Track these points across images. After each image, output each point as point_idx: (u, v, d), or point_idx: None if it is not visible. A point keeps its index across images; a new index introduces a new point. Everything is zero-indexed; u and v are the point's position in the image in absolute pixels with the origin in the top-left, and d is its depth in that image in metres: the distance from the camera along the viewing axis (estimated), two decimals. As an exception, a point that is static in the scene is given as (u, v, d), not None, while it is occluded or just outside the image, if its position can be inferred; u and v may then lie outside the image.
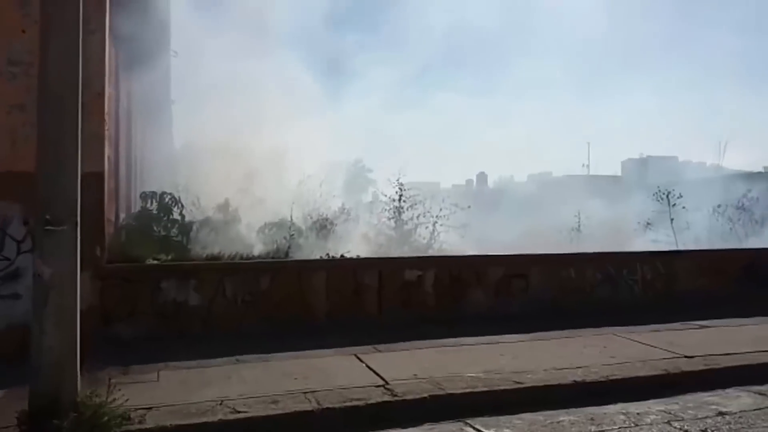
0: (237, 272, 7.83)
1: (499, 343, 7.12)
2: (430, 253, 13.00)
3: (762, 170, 25.61)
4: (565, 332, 7.68)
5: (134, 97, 12.96)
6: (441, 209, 13.40)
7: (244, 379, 5.56)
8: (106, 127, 7.39)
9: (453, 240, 13.90)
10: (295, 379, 5.53)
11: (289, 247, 10.92)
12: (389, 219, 13.63)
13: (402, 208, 13.59)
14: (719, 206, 15.17)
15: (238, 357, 6.36)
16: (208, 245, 10.20)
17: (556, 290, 9.17)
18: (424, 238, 13.52)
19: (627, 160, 52.16)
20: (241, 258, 8.66)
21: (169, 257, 8.42)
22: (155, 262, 7.99)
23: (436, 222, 13.50)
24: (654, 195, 15.12)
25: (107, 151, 7.96)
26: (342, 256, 9.20)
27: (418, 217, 13.48)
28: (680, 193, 14.48)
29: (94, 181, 7.13)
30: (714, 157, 41.24)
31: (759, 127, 75.96)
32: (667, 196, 14.45)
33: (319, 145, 20.66)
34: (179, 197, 10.55)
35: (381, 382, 5.42)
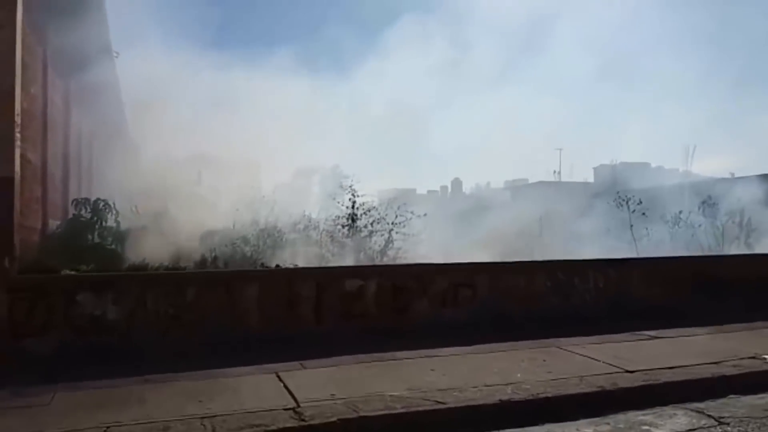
0: (160, 283, 7.35)
1: (435, 356, 6.74)
2: (385, 261, 12.64)
3: (728, 176, 25.60)
4: (508, 344, 7.33)
5: (75, 99, 12.42)
6: (396, 216, 13.02)
7: (144, 402, 5.09)
8: (17, 129, 6.90)
9: (412, 247, 13.54)
10: (200, 401, 5.08)
11: (246, 256, 10.51)
12: (343, 227, 13.21)
13: (356, 215, 13.17)
14: (680, 212, 14.98)
15: (147, 376, 5.89)
16: (145, 253, 9.74)
17: (504, 299, 8.80)
18: (379, 246, 13.13)
19: (599, 166, 52.20)
20: (167, 268, 8.18)
21: (90, 267, 7.93)
22: (72, 272, 7.49)
23: (392, 230, 13.13)
24: (614, 201, 14.88)
25: (28, 154, 7.49)
26: (277, 266, 8.76)
27: (372, 224, 13.09)
28: (640, 200, 14.25)
29: (2, 186, 6.68)
30: (689, 163, 41.36)
31: (729, 133, 76.80)
32: (627, 203, 14.21)
33: (295, 152, 20.29)
34: (114, 204, 10.08)
35: (292, 404, 4.99)
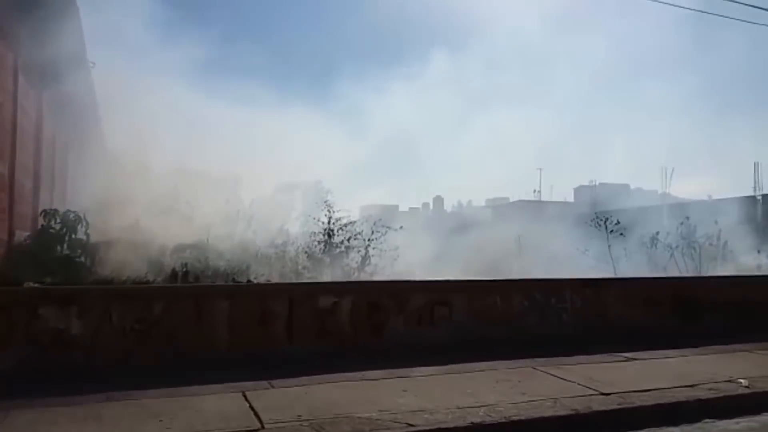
0: (125, 298, 7.14)
1: (408, 377, 6.58)
2: (363, 277, 12.49)
3: (706, 198, 25.83)
4: (483, 364, 7.19)
5: (49, 109, 12.18)
6: (373, 231, 12.91)
7: (101, 420, 4.89)
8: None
9: (389, 264, 13.41)
10: (161, 420, 4.88)
11: (220, 271, 10.29)
12: (320, 243, 13.07)
13: (332, 231, 13.04)
14: (657, 233, 15.01)
15: (110, 393, 5.68)
16: (116, 267, 9.51)
17: (480, 318, 8.67)
18: (356, 263, 12.99)
19: (579, 187, 52.68)
20: (134, 282, 7.97)
21: (56, 280, 7.70)
22: (35, 285, 7.25)
23: (368, 245, 13.01)
24: (592, 221, 14.87)
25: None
26: (249, 281, 8.57)
27: (348, 239, 12.96)
28: (617, 220, 14.26)
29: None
30: (667, 185, 41.75)
31: (708, 156, 77.86)
32: (605, 223, 14.20)
33: (277, 167, 20.23)
34: (84, 215, 9.84)
35: (256, 425, 4.82)
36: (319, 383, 6.22)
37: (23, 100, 9.83)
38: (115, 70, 15.28)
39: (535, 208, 33.08)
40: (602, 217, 14.40)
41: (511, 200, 46.74)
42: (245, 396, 5.69)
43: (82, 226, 9.73)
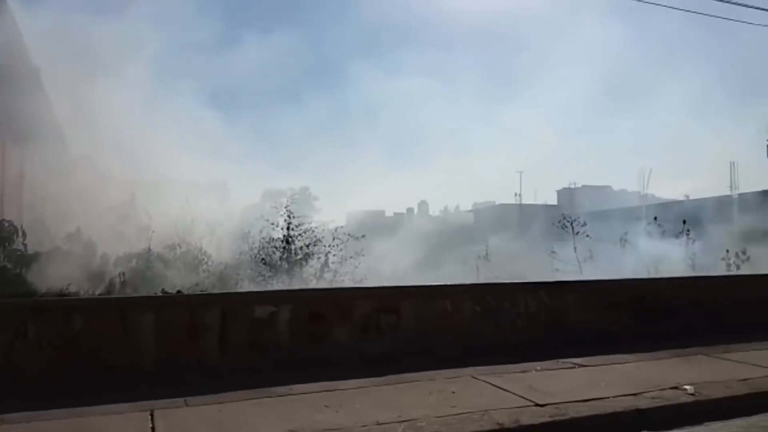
0: (43, 311, 6.74)
1: (336, 390, 6.23)
2: (322, 285, 12.15)
3: (683, 198, 25.65)
4: (422, 374, 6.84)
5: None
6: (333, 238, 12.59)
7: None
8: None
9: (351, 270, 13.08)
10: (45, 446, 4.52)
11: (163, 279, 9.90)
12: (277, 249, 12.72)
13: (292, 237, 12.69)
14: (626, 233, 14.74)
15: (6, 416, 5.31)
16: (55, 278, 9.12)
17: (430, 326, 8.30)
18: (315, 270, 12.65)
19: (562, 189, 52.48)
20: (56, 294, 7.60)
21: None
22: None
23: (329, 252, 12.67)
24: (558, 223, 14.61)
25: None
26: (179, 291, 8.19)
27: (308, 246, 12.62)
28: (584, 221, 13.99)
29: None
30: (653, 186, 41.49)
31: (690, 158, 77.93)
32: (571, 225, 13.93)
33: (261, 174, 20.00)
34: (21, 225, 9.44)
35: (147, 450, 4.46)
36: (239, 400, 5.86)
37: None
38: (70, 75, 14.93)
39: (514, 211, 32.84)
40: (568, 219, 14.15)
41: (497, 203, 46.66)
42: (152, 416, 5.33)
43: (18, 237, 9.32)
